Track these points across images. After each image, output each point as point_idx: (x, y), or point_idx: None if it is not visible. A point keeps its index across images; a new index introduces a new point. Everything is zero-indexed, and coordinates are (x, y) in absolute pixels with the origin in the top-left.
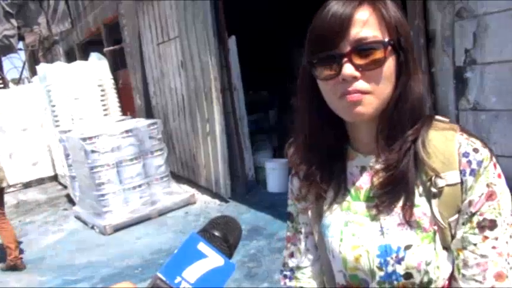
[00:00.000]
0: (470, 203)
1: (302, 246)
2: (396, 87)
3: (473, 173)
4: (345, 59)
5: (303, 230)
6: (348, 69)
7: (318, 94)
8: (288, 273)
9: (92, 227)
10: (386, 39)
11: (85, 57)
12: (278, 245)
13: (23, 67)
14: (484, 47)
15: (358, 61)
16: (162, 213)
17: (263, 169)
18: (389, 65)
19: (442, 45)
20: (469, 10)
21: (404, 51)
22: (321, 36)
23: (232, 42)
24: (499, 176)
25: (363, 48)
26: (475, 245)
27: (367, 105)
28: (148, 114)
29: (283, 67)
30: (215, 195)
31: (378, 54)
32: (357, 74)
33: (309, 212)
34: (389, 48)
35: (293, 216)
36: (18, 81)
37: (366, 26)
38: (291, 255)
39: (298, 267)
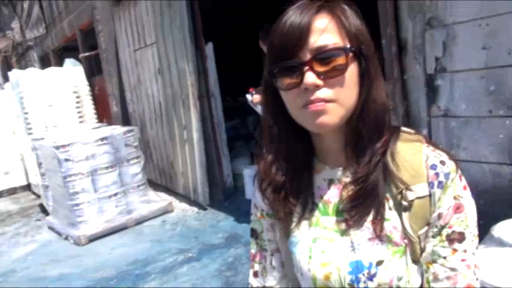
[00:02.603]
0: (439, 216)
1: (267, 264)
2: (360, 95)
3: (440, 185)
4: (306, 68)
5: (268, 247)
6: (310, 77)
7: (281, 106)
8: None
9: (66, 238)
10: (347, 46)
11: (60, 63)
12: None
13: None
14: (453, 56)
15: (320, 69)
16: (138, 222)
17: (241, 176)
18: (352, 72)
19: (414, 53)
20: (438, 19)
21: (366, 59)
22: (281, 46)
23: (209, 48)
24: (465, 188)
25: (323, 55)
26: (444, 258)
27: (331, 114)
28: (125, 121)
29: (262, 73)
30: (193, 202)
31: (339, 61)
32: (319, 82)
33: (276, 229)
34: (351, 55)
35: (257, 232)
36: None
37: (325, 33)
38: (255, 274)
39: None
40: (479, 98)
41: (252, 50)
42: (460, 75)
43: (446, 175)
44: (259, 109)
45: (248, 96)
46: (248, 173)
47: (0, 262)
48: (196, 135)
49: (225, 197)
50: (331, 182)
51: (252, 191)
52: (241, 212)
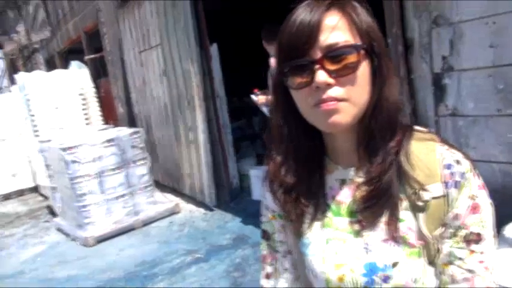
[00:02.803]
0: (455, 217)
1: (280, 265)
2: (372, 94)
3: (456, 185)
4: (317, 66)
5: (280, 249)
6: (321, 76)
7: (292, 105)
8: None
9: (74, 239)
10: (359, 43)
11: (66, 65)
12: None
13: (3, 76)
14: (461, 54)
15: (331, 67)
16: (146, 223)
17: (247, 176)
18: (364, 70)
19: (420, 52)
20: (444, 18)
21: (378, 56)
22: (291, 44)
23: (214, 49)
24: (481, 187)
25: (334, 53)
26: (461, 259)
27: (343, 114)
28: (131, 122)
29: (267, 73)
30: (200, 203)
31: (351, 59)
32: (331, 80)
33: (288, 230)
34: (362, 52)
35: (268, 234)
36: None
37: (336, 31)
38: (267, 276)
39: None
40: (488, 97)
41: (257, 50)
42: (468, 73)
43: (462, 174)
44: (265, 110)
45: (253, 97)
46: (254, 173)
47: (9, 263)
48: (202, 136)
49: (231, 197)
50: (343, 182)
51: (258, 192)
52: (248, 213)
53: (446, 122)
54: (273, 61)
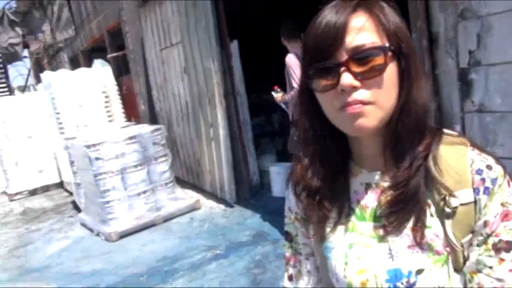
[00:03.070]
0: (485, 224)
1: (303, 268)
2: (399, 96)
3: (487, 191)
4: (343, 68)
5: (303, 251)
6: (347, 78)
7: (317, 107)
8: None
9: (98, 234)
10: (386, 45)
11: (89, 64)
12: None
13: (28, 75)
14: (488, 48)
15: (357, 69)
16: (167, 219)
17: (267, 173)
18: (391, 73)
19: (446, 47)
20: (471, 11)
21: (406, 58)
22: (316, 46)
23: (234, 46)
24: None
25: (361, 55)
26: (490, 267)
27: (369, 117)
28: (153, 119)
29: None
30: (220, 200)
31: (378, 61)
32: (357, 83)
33: (311, 233)
34: (390, 54)
35: (291, 235)
36: (23, 89)
37: (362, 32)
38: (290, 278)
39: None
40: None
41: (276, 46)
42: (496, 68)
43: (493, 181)
44: (284, 106)
45: (274, 94)
46: (274, 170)
47: (35, 257)
48: (222, 133)
49: (251, 194)
50: (368, 186)
51: (278, 188)
52: (268, 210)
53: (472, 119)
54: (287, 59)
